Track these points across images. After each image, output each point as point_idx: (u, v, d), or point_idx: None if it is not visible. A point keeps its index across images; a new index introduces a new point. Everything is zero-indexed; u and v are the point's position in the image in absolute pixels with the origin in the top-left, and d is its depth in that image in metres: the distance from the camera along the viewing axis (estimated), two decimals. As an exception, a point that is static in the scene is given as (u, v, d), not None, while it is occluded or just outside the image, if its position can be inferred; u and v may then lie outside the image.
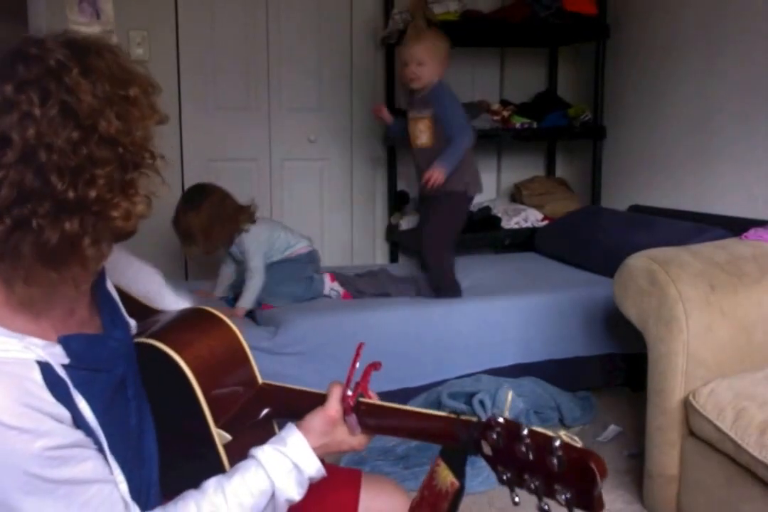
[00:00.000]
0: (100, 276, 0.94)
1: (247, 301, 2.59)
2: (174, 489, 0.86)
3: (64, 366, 0.79)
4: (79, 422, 0.78)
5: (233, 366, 0.97)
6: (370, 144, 3.78)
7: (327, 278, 2.74)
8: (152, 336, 0.94)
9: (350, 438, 0.94)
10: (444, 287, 2.71)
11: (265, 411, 0.98)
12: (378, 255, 3.89)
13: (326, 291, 2.73)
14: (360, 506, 1.09)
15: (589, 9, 3.35)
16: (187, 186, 3.45)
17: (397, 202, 3.79)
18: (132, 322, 1.00)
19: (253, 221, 2.60)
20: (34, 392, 0.74)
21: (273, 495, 0.86)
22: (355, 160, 3.78)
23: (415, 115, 2.72)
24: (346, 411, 0.93)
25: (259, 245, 2.60)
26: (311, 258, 2.75)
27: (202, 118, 3.46)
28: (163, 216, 3.36)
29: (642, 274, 1.88)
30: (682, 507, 1.85)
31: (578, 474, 0.73)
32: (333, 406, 0.93)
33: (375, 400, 0.95)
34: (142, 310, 1.07)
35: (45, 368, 0.76)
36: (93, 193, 0.73)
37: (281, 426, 0.96)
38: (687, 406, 1.77)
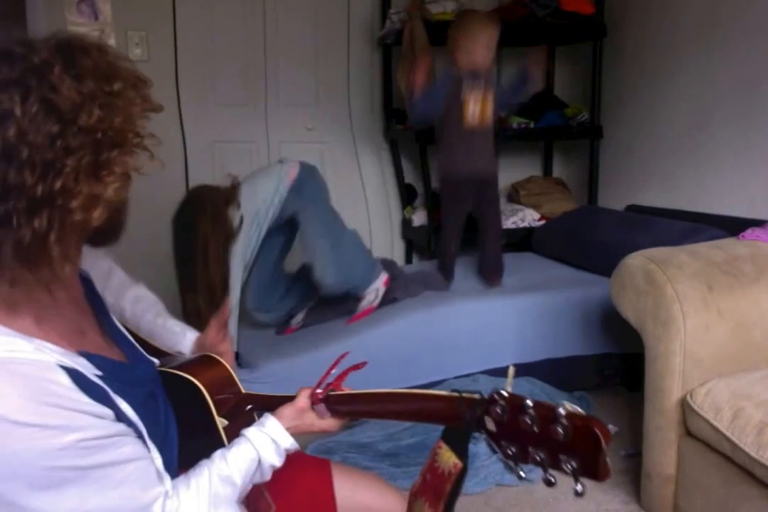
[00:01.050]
0: (101, 308, 1.01)
1: None
2: (190, 460, 1.04)
3: (99, 377, 0.82)
4: (121, 417, 0.83)
5: (227, 384, 1.25)
6: (370, 141, 3.77)
7: (383, 279, 2.42)
8: (173, 368, 1.18)
9: (319, 421, 1.11)
10: (501, 269, 2.90)
11: (249, 407, 1.22)
12: (395, 253, 3.86)
13: (371, 288, 2.38)
14: (340, 495, 1.24)
15: (587, 8, 3.34)
16: (190, 183, 3.44)
17: (407, 195, 3.76)
18: (156, 361, 1.12)
19: (237, 203, 2.31)
20: (60, 392, 0.74)
21: (259, 462, 1.04)
22: (359, 156, 3.77)
23: (482, 94, 2.73)
24: (314, 402, 1.10)
25: (259, 213, 2.31)
26: (307, 173, 2.42)
27: (201, 117, 3.46)
28: (161, 226, 3.36)
29: (639, 274, 1.88)
30: (680, 508, 1.84)
31: (583, 442, 0.75)
32: (301, 400, 1.11)
33: (346, 391, 1.10)
34: (152, 351, 1.21)
35: (75, 374, 0.77)
36: (58, 184, 0.73)
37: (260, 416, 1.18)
38: (684, 406, 1.77)
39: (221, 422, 1.16)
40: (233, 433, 1.11)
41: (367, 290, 2.29)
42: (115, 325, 1.04)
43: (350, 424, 2.31)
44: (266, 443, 1.07)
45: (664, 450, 1.85)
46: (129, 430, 0.84)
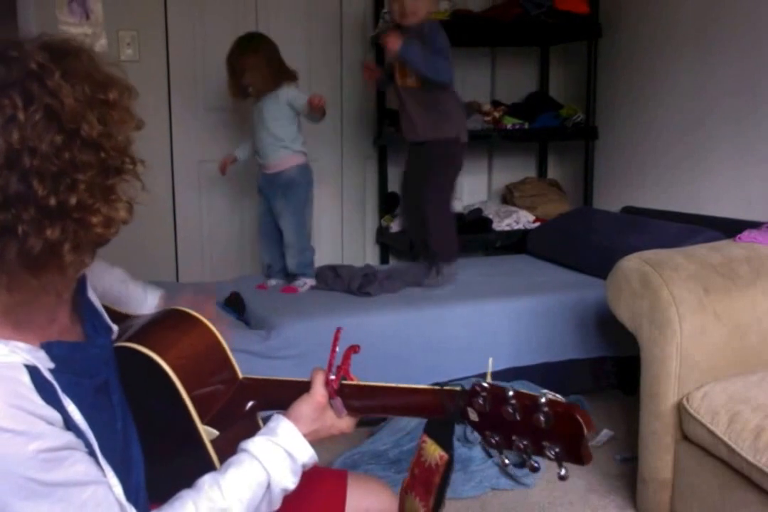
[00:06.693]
0: (81, 284, 0.94)
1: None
2: (164, 491, 0.86)
3: (51, 371, 0.78)
4: (69, 424, 0.77)
5: (214, 364, 0.99)
6: (361, 144, 3.76)
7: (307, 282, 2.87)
8: (131, 339, 0.94)
9: (338, 422, 0.97)
10: (443, 249, 2.74)
11: (249, 405, 1.00)
12: (368, 257, 3.87)
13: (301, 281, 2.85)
14: (348, 505, 1.10)
15: (581, 8, 3.33)
16: (177, 187, 3.45)
17: (388, 203, 3.76)
18: (115, 328, 1.00)
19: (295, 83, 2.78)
20: (25, 394, 0.73)
21: (269, 486, 0.87)
22: (345, 161, 3.76)
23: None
24: (331, 394, 0.95)
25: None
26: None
27: (191, 118, 3.44)
28: (155, 220, 3.34)
29: (635, 277, 1.86)
30: (676, 513, 1.83)
31: (565, 428, 0.77)
32: (319, 391, 0.95)
33: (357, 381, 0.97)
34: (117, 318, 1.07)
35: (33, 371, 0.75)
36: (74, 199, 0.72)
37: (265, 420, 0.97)
38: (680, 410, 1.75)
39: (209, 433, 0.93)
40: (227, 448, 0.91)
41: (301, 278, 2.83)
42: (86, 295, 0.96)
43: (372, 431, 2.30)
44: (279, 459, 0.89)
45: (660, 454, 1.84)
46: (78, 442, 0.77)
